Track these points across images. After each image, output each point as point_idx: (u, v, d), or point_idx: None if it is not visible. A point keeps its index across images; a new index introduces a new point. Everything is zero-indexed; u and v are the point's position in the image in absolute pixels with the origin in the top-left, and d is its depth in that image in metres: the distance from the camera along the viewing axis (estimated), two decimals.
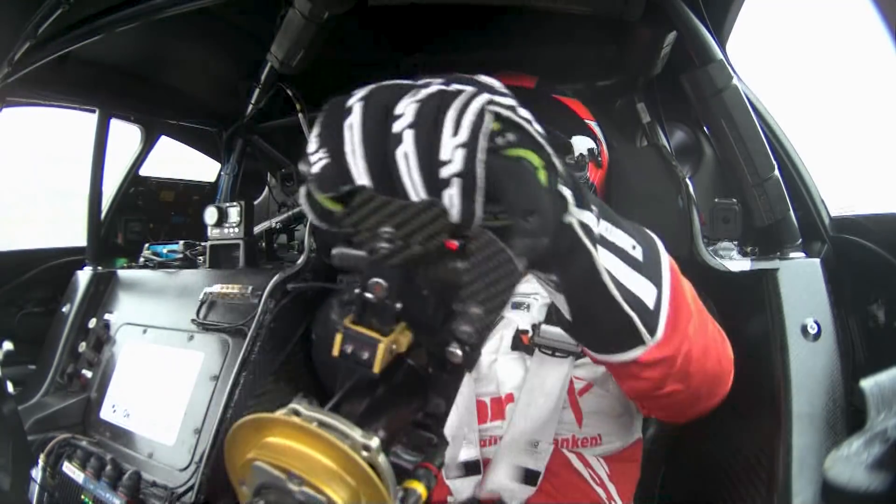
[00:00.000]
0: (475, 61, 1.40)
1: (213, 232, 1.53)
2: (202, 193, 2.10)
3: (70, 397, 1.51)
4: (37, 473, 1.31)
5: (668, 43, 1.13)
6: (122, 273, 1.68)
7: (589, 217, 0.44)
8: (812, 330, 0.87)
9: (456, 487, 0.90)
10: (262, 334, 1.24)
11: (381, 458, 0.35)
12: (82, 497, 1.26)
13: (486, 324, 0.38)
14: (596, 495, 0.89)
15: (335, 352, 0.39)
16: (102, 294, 1.66)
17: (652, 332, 0.49)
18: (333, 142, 0.38)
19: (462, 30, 1.34)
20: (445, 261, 0.38)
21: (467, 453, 0.89)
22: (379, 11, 1.11)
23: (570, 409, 0.89)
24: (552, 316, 0.91)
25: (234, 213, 1.50)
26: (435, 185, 0.36)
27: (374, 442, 0.35)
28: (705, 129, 1.33)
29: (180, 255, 1.66)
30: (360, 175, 0.38)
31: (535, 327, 0.90)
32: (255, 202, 1.89)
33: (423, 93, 0.37)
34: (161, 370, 1.38)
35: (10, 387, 1.45)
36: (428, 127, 0.35)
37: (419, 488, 0.38)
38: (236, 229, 1.49)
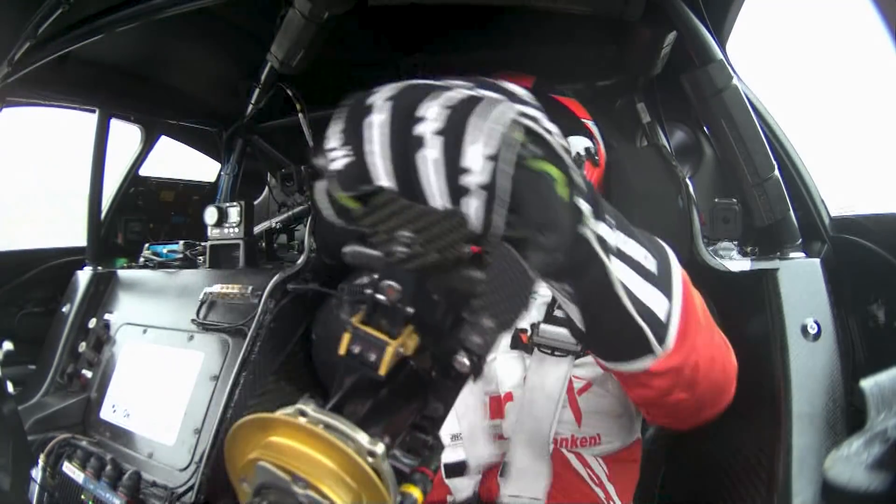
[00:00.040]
0: (475, 61, 1.40)
1: (213, 232, 1.53)
2: (202, 193, 2.10)
3: (70, 397, 1.51)
4: (37, 473, 1.31)
5: (668, 43, 1.13)
6: (122, 273, 1.68)
7: (605, 229, 0.44)
8: (812, 330, 0.87)
9: (456, 487, 0.90)
10: (262, 334, 1.24)
11: (385, 464, 0.35)
12: (82, 497, 1.26)
13: (497, 336, 0.38)
14: (595, 496, 0.89)
15: (342, 350, 0.39)
16: (102, 294, 1.66)
17: (662, 342, 0.50)
18: (356, 140, 0.38)
19: (462, 30, 1.34)
20: (460, 269, 0.38)
21: (489, 452, 0.90)
22: (379, 11, 1.11)
23: (569, 408, 0.89)
24: (551, 315, 0.91)
25: (234, 213, 1.51)
26: (456, 192, 0.36)
27: (380, 448, 0.35)
28: (705, 129, 1.33)
29: (180, 255, 1.66)
30: (383, 176, 0.37)
31: (534, 326, 0.90)
32: (255, 202, 1.88)
33: (451, 97, 0.37)
34: (161, 370, 1.38)
35: (10, 387, 1.46)
36: (456, 134, 0.35)
37: (415, 493, 0.38)
38: (236, 229, 1.50)
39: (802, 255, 0.97)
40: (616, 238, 0.45)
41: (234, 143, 1.80)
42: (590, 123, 1.04)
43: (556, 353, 0.89)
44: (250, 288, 1.31)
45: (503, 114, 0.35)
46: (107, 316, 1.59)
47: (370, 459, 0.35)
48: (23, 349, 1.61)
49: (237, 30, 1.40)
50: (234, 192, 1.81)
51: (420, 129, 0.36)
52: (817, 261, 0.94)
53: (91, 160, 1.71)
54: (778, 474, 0.80)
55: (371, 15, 1.11)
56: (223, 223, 1.51)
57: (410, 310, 0.38)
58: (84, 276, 1.70)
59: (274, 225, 1.75)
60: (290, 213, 1.77)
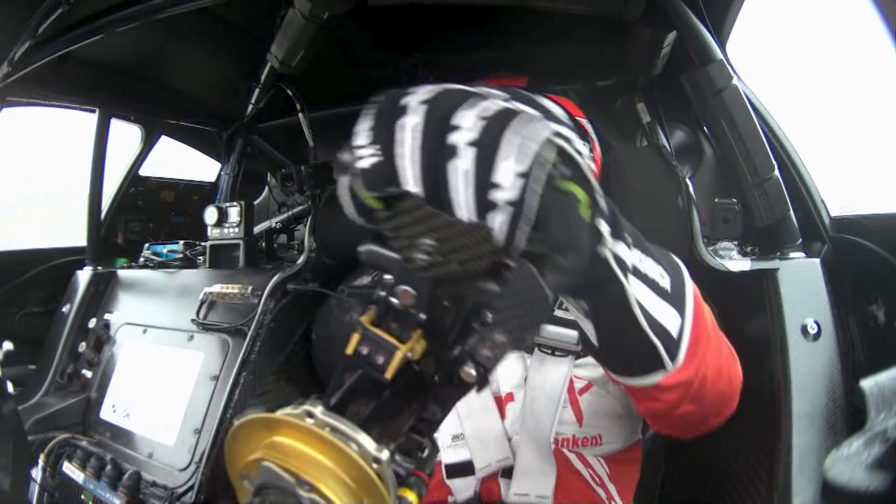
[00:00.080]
0: (475, 61, 1.40)
1: (213, 232, 1.53)
2: (202, 193, 2.10)
3: (70, 397, 1.51)
4: (37, 473, 1.31)
5: (668, 43, 1.13)
6: (122, 273, 1.68)
7: (623, 249, 0.44)
8: (812, 330, 0.87)
9: (456, 488, 0.90)
10: (262, 334, 1.24)
11: (388, 470, 0.36)
12: (82, 497, 1.26)
13: (507, 352, 0.38)
14: (596, 496, 0.89)
15: (349, 350, 0.39)
16: (102, 294, 1.66)
17: (673, 358, 0.50)
18: (387, 140, 0.37)
19: (462, 30, 1.34)
20: (477, 280, 0.38)
21: (496, 452, 0.90)
22: (379, 11, 1.11)
23: (570, 408, 0.89)
24: (552, 315, 0.91)
25: (234, 213, 1.51)
26: (484, 206, 0.35)
27: (385, 455, 0.35)
28: (705, 129, 1.33)
29: (180, 255, 1.66)
30: (411, 181, 0.37)
31: (538, 330, 0.90)
32: (255, 202, 1.88)
33: (488, 107, 0.36)
34: (161, 370, 1.38)
35: (10, 387, 1.45)
36: (490, 147, 0.35)
37: (411, 496, 0.38)
38: (236, 229, 1.50)
39: (802, 255, 0.97)
40: (633, 257, 0.46)
41: (234, 143, 1.80)
42: (584, 122, 1.04)
43: (557, 352, 0.89)
44: (250, 288, 1.32)
45: (538, 132, 0.35)
46: (107, 316, 1.59)
47: (375, 466, 0.35)
48: (23, 349, 1.61)
49: (237, 30, 1.40)
50: (234, 192, 1.81)
51: (454, 138, 0.35)
52: (817, 261, 0.94)
53: (91, 160, 1.71)
54: (778, 474, 0.80)
55: (371, 15, 1.11)
56: (223, 223, 1.51)
57: (423, 316, 0.38)
58: (84, 276, 1.70)
59: (274, 225, 1.75)
60: (290, 213, 1.77)
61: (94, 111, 1.68)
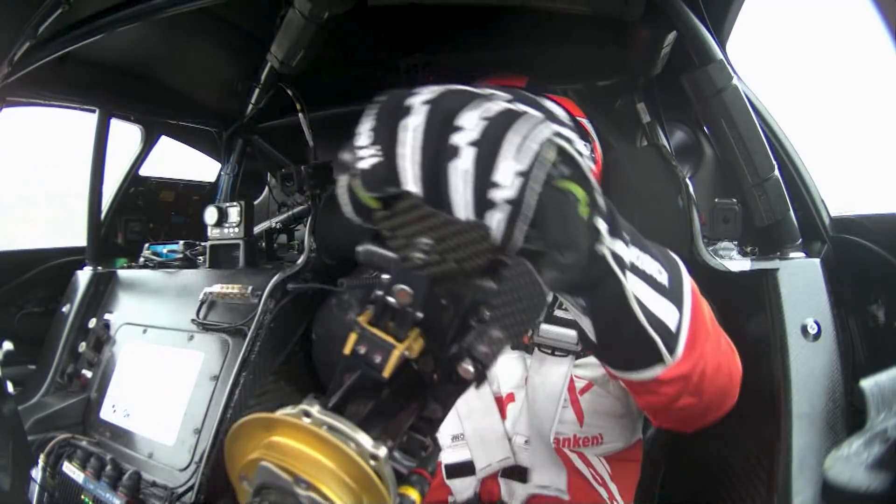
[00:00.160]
0: (475, 61, 1.40)
1: (213, 232, 1.53)
2: (202, 193, 2.10)
3: (70, 397, 1.52)
4: (37, 473, 1.31)
5: (668, 43, 1.13)
6: (122, 273, 1.68)
7: (621, 247, 0.44)
8: (812, 330, 0.87)
9: (456, 488, 0.90)
10: (262, 334, 1.24)
11: (387, 468, 0.36)
12: (82, 497, 1.26)
13: (504, 348, 0.38)
14: (598, 495, 0.89)
15: (346, 350, 0.39)
16: (102, 294, 1.66)
17: (672, 352, 0.51)
18: (388, 140, 0.38)
19: (462, 30, 1.34)
20: (474, 278, 0.39)
21: (498, 452, 0.90)
22: (379, 11, 1.11)
23: (570, 408, 0.89)
24: (551, 315, 0.91)
25: (234, 213, 1.51)
26: (482, 205, 0.36)
27: (382, 451, 0.35)
28: (705, 129, 1.33)
29: (180, 255, 1.66)
30: (411, 181, 0.37)
31: (535, 326, 0.90)
32: (255, 202, 1.89)
33: (490, 108, 0.37)
34: (161, 370, 1.38)
35: (10, 387, 1.45)
36: (491, 147, 0.35)
37: (413, 495, 0.38)
38: (236, 229, 1.50)
39: (802, 255, 0.97)
40: (631, 254, 0.46)
41: (234, 143, 1.80)
42: (584, 122, 1.04)
43: (557, 352, 0.89)
44: (250, 288, 1.32)
45: (540, 132, 0.36)
46: (107, 316, 1.59)
47: (372, 463, 0.35)
48: (23, 349, 1.61)
49: (237, 30, 1.40)
50: (234, 192, 1.81)
51: (456, 138, 0.36)
52: (817, 261, 0.94)
53: (91, 160, 1.71)
54: (778, 474, 0.80)
55: (371, 15, 1.11)
56: (223, 223, 1.51)
57: (420, 315, 0.38)
58: (84, 276, 1.70)
59: (274, 225, 1.75)
60: (290, 213, 1.77)
61: (94, 111, 1.68)
